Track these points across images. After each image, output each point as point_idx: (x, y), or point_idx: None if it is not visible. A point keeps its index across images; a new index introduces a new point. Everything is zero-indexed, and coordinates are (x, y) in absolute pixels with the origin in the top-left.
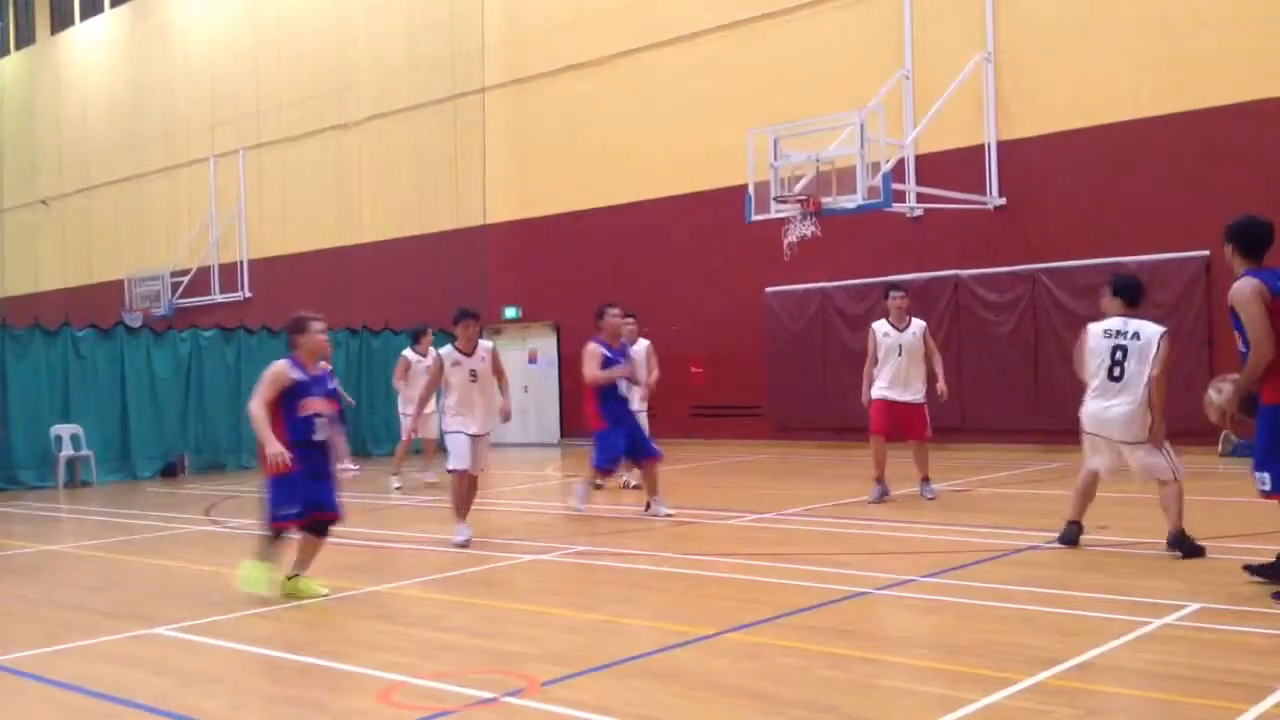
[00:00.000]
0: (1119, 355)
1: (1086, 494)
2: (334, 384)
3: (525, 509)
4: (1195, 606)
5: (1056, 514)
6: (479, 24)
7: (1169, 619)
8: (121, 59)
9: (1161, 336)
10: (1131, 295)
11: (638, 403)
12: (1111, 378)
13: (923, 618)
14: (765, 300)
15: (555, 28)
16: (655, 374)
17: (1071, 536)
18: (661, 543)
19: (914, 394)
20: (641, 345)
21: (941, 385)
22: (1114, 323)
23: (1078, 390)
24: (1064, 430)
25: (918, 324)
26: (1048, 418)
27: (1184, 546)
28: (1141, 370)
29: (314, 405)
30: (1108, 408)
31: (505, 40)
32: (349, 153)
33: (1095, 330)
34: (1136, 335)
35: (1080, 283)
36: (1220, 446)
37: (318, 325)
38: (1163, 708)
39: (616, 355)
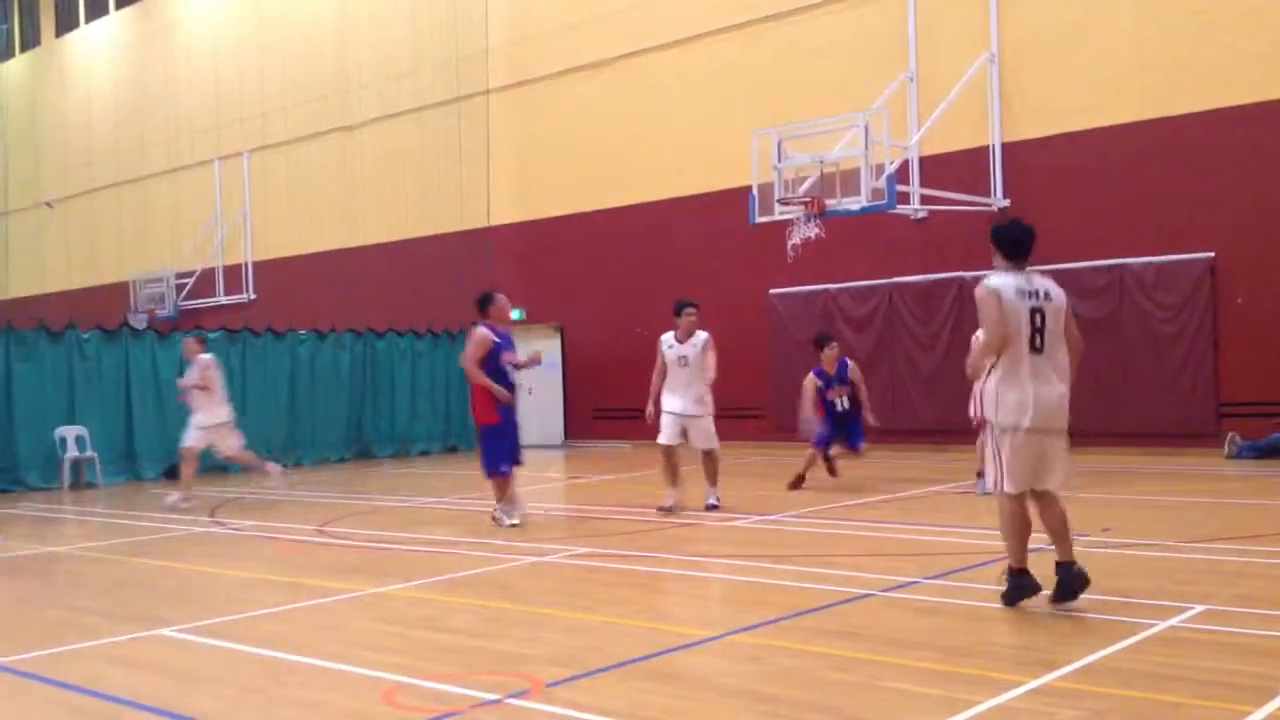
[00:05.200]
0: (1038, 321)
1: (1027, 527)
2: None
3: (528, 510)
4: (1200, 608)
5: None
6: (483, 26)
7: (1173, 621)
8: (126, 61)
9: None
10: (1020, 246)
11: (694, 406)
12: (1034, 348)
13: (926, 619)
14: (769, 302)
15: (559, 29)
16: (712, 373)
17: (1023, 591)
18: (664, 544)
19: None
20: (700, 338)
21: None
22: (1018, 280)
23: (1083, 389)
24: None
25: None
26: None
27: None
28: (1058, 338)
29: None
30: (1045, 390)
31: (509, 42)
32: (353, 155)
33: (1006, 290)
34: (1048, 295)
35: (1085, 284)
36: (1225, 448)
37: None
38: (1167, 710)
39: (506, 341)
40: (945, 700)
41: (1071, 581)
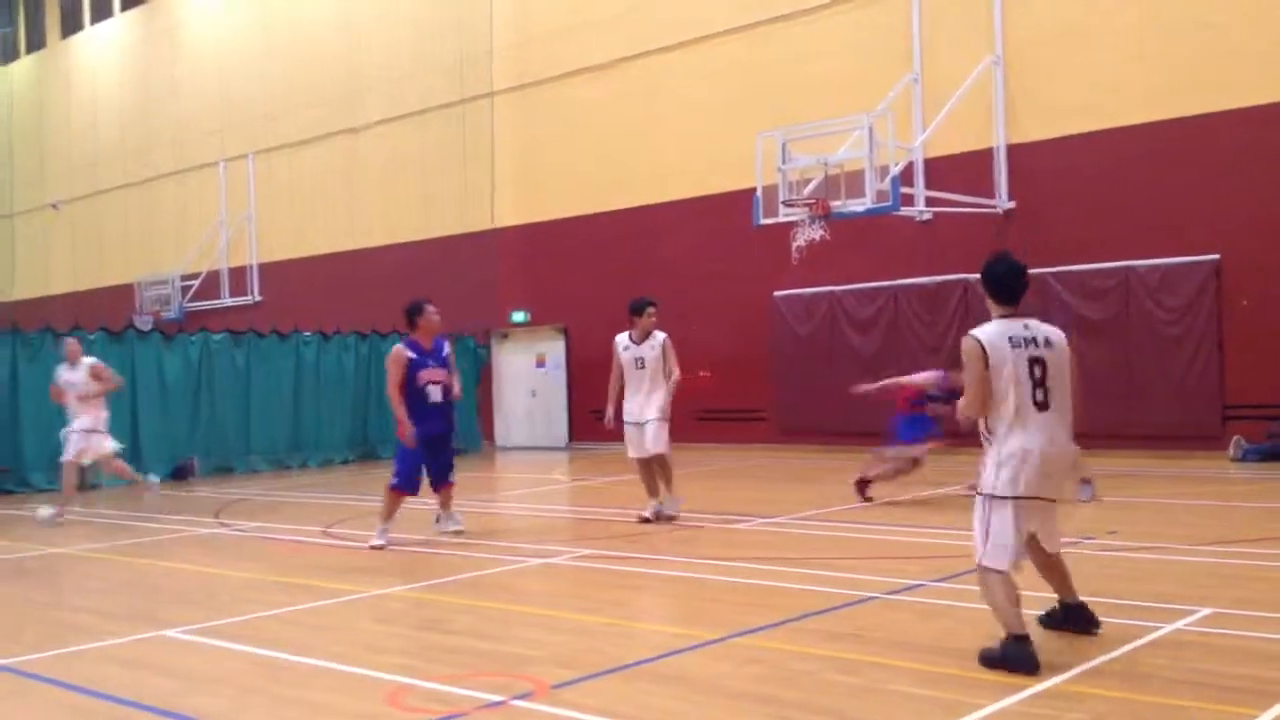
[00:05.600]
0: (1038, 373)
1: (1015, 590)
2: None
3: (532, 512)
4: (1206, 611)
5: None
6: (487, 29)
7: (1179, 624)
8: (131, 63)
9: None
10: (1011, 289)
11: (651, 411)
12: (1038, 404)
13: (932, 622)
14: (773, 304)
15: (562, 31)
16: (675, 373)
17: (1021, 663)
18: (668, 547)
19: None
20: (658, 339)
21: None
22: (1012, 328)
23: (1090, 393)
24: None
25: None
26: None
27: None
28: (1065, 391)
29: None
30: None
31: (513, 44)
32: (358, 157)
33: (995, 341)
34: (1048, 342)
35: (1090, 286)
36: (1231, 451)
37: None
38: (1173, 713)
39: (425, 357)
40: (950, 704)
41: (1086, 614)
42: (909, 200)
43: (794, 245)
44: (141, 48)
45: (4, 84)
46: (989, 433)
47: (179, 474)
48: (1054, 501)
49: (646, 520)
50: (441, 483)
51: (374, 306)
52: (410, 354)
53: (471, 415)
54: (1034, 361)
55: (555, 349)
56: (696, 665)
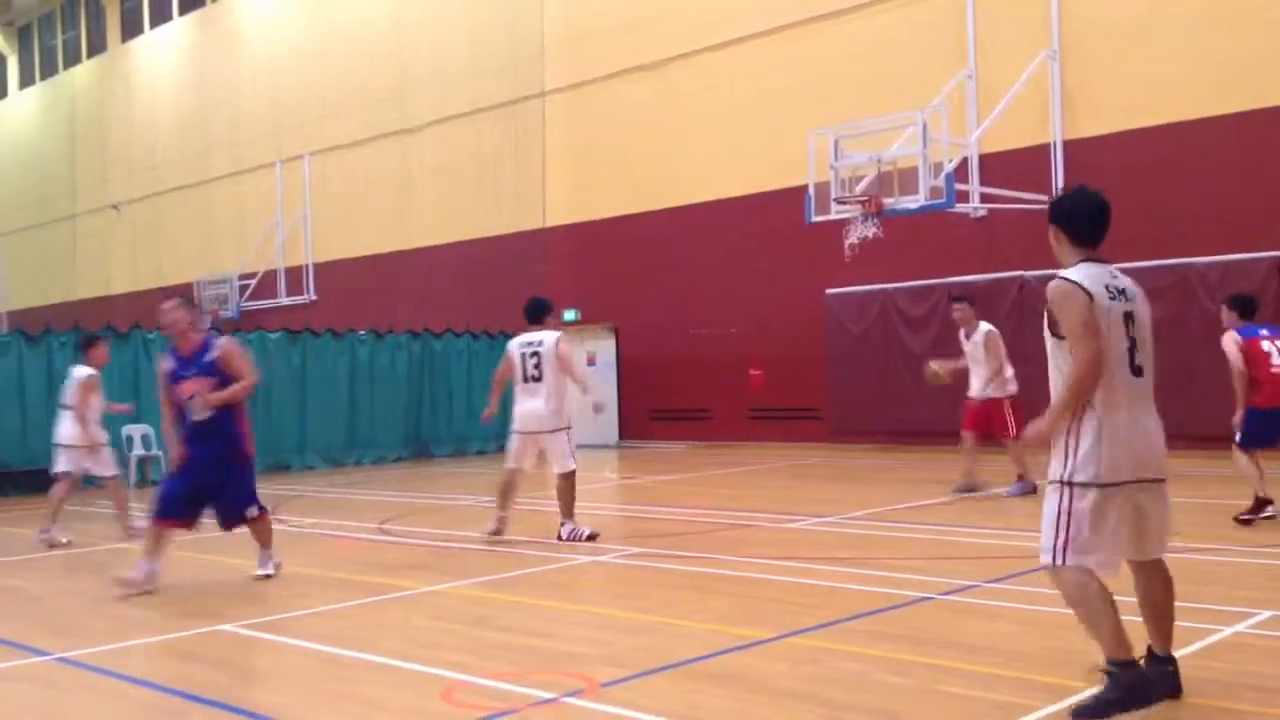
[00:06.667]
0: (1131, 330)
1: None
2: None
3: (584, 510)
4: (1266, 614)
5: None
6: (538, 29)
7: (1239, 627)
8: (190, 66)
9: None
10: (1094, 224)
11: (549, 420)
12: (1134, 369)
13: (987, 624)
14: (826, 302)
15: (613, 31)
16: (577, 375)
17: (1141, 695)
18: (721, 546)
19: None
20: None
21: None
22: (1104, 274)
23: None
24: None
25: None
26: None
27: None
28: (1150, 354)
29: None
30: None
31: (564, 44)
32: (410, 157)
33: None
34: (1132, 295)
35: (1148, 284)
36: None
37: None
38: (1232, 718)
39: (185, 368)
40: (1005, 706)
41: (1169, 682)
42: (963, 197)
43: (846, 243)
44: (199, 51)
45: (66, 88)
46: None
47: None
48: (1152, 486)
49: (494, 534)
50: (233, 519)
51: (427, 305)
52: (169, 364)
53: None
54: (1128, 317)
55: (605, 348)
56: (748, 665)
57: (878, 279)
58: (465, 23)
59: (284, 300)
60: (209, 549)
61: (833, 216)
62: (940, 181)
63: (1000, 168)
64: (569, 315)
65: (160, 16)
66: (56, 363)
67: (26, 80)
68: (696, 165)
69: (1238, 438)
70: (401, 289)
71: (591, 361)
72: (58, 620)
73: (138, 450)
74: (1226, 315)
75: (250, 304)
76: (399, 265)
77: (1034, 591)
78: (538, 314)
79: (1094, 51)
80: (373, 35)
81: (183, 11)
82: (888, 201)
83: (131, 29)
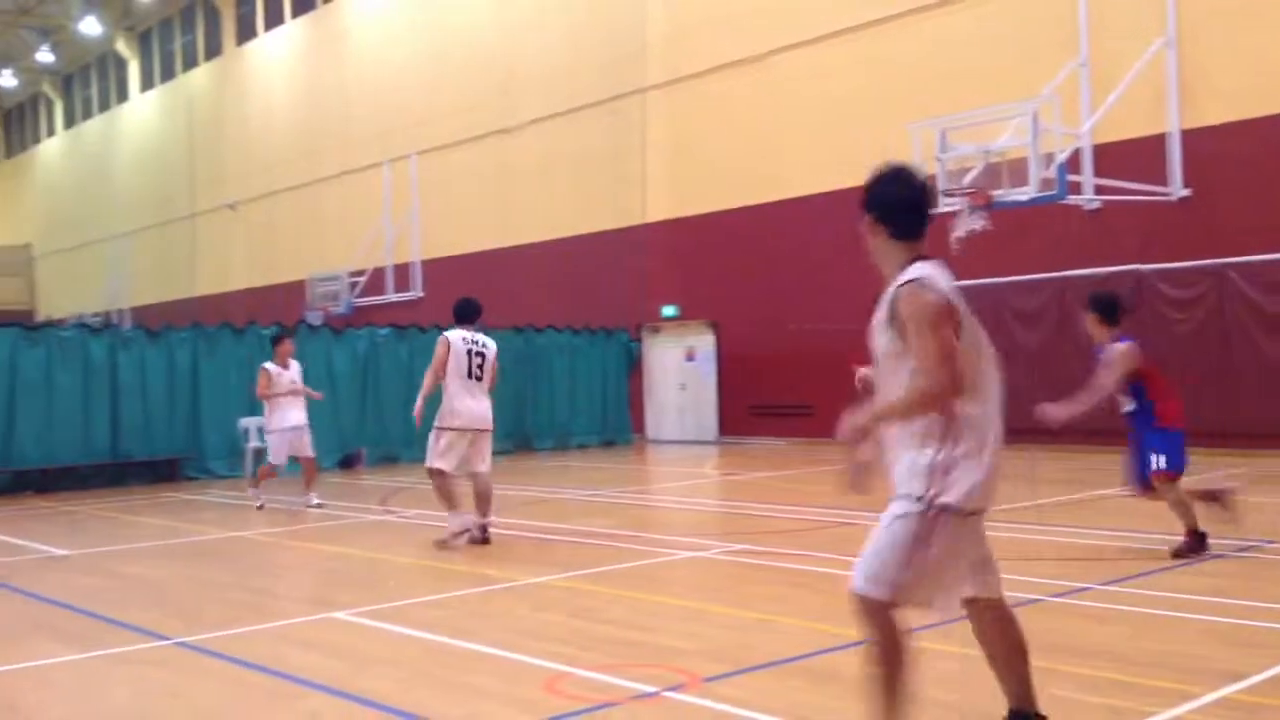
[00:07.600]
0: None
1: None
2: None
3: (684, 506)
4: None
5: (1244, 521)
6: (639, 26)
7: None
8: (301, 68)
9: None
10: (921, 216)
11: (490, 416)
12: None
13: (1098, 627)
14: None
15: (713, 26)
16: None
17: None
18: (823, 544)
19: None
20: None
21: None
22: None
23: (1270, 390)
24: (1255, 434)
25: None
26: (1237, 420)
27: None
28: None
29: None
30: None
31: (664, 40)
32: (512, 155)
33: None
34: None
35: (1271, 278)
36: None
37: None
38: None
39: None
40: (1115, 709)
41: None
42: (1075, 188)
43: (954, 236)
44: (310, 53)
45: (184, 90)
46: (941, 415)
47: (347, 463)
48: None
49: (456, 535)
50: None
51: (529, 301)
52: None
53: (623, 409)
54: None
55: (705, 343)
56: (851, 664)
57: (987, 273)
58: (566, 21)
59: (392, 297)
60: (320, 539)
61: (939, 209)
62: (1052, 173)
63: (1114, 158)
64: (669, 311)
65: (274, 19)
66: (177, 358)
67: (147, 84)
68: (797, 159)
69: None
70: (504, 285)
71: (691, 357)
72: (178, 606)
73: (254, 442)
74: None
75: (361, 300)
76: (502, 262)
77: (1147, 595)
78: (474, 313)
79: (1211, 37)
80: (477, 36)
81: (295, 14)
82: (996, 193)
83: (246, 32)
